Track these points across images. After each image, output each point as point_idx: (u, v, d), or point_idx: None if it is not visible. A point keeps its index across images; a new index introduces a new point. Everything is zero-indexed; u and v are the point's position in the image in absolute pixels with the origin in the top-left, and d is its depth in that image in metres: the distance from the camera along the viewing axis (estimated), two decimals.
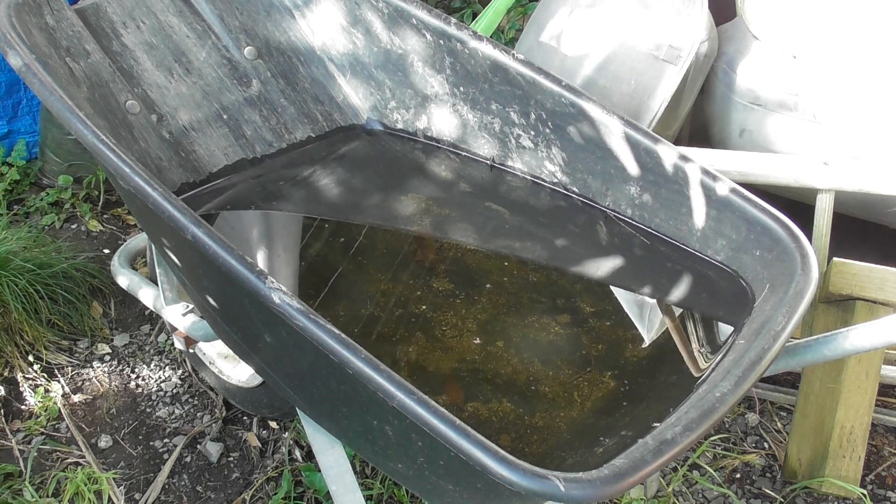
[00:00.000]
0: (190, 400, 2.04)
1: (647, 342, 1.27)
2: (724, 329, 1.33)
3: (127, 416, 2.00)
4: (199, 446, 1.93)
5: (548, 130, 1.57)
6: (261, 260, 1.44)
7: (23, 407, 2.00)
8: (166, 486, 1.86)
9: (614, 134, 1.45)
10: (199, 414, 2.01)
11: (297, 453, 1.91)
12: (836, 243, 1.78)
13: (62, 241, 2.34)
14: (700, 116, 2.16)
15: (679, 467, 1.88)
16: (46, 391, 2.02)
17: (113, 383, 2.07)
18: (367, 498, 1.76)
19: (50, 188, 2.51)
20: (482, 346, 1.34)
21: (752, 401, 2.04)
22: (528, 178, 1.65)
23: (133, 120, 1.61)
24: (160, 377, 2.09)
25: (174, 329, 1.79)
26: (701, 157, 1.43)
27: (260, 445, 1.94)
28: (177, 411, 2.02)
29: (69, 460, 1.90)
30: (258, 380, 1.85)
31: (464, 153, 1.72)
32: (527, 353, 1.34)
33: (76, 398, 2.03)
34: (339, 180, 1.71)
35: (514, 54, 1.52)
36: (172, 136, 1.65)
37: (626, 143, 1.41)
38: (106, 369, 2.10)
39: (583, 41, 2.01)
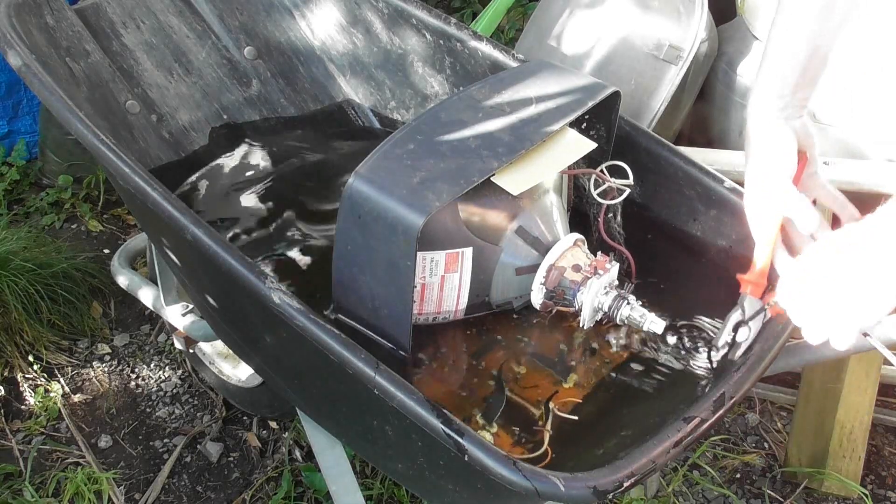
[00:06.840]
0: (190, 400, 2.04)
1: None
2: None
3: (127, 416, 2.00)
4: (199, 446, 1.93)
5: None
6: None
7: (23, 407, 2.00)
8: (166, 486, 1.86)
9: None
10: (199, 414, 2.01)
11: (297, 453, 1.91)
12: None
13: (62, 241, 2.34)
14: (700, 116, 2.16)
15: (679, 467, 1.88)
16: (46, 391, 2.02)
17: (113, 383, 2.07)
18: (367, 498, 1.76)
19: (50, 188, 2.51)
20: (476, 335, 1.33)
21: (752, 401, 2.04)
22: None
23: (133, 120, 1.61)
24: (160, 377, 2.09)
25: (174, 329, 1.79)
26: (701, 157, 1.42)
27: (260, 445, 1.94)
28: (177, 411, 2.02)
29: (69, 460, 1.90)
30: (258, 380, 1.85)
31: None
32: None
33: (76, 398, 2.03)
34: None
35: (514, 54, 1.52)
36: (172, 136, 1.65)
37: (627, 143, 1.41)
38: (106, 369, 2.10)
39: (583, 41, 2.01)
